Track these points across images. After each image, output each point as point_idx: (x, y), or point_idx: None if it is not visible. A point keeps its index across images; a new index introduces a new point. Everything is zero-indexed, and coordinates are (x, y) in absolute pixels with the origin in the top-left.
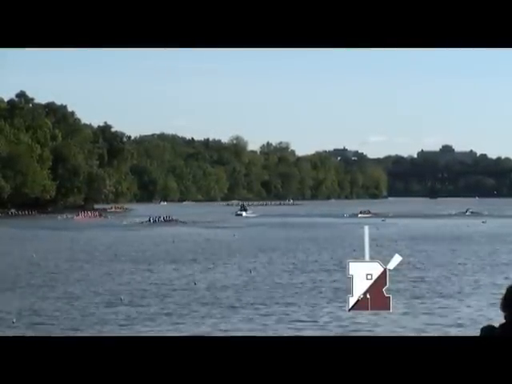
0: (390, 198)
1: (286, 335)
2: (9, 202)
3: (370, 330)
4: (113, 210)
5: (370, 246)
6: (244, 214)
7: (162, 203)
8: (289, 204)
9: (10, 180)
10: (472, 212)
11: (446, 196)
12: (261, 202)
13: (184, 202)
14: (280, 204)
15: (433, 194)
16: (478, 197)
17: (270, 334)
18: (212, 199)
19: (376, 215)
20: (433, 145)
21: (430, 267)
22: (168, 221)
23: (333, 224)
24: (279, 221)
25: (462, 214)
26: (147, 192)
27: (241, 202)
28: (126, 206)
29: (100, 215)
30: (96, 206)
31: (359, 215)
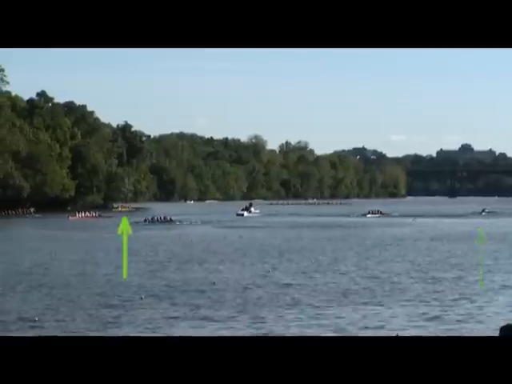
0: (409, 197)
1: (285, 335)
2: (29, 201)
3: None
4: (119, 209)
5: (391, 244)
6: (245, 213)
7: (188, 202)
8: (312, 203)
9: (29, 179)
10: (488, 212)
11: (466, 195)
12: (281, 201)
13: (207, 201)
14: (301, 204)
15: (452, 193)
16: (498, 196)
17: (270, 334)
18: (231, 198)
19: (386, 215)
20: (452, 143)
21: (448, 267)
22: (166, 221)
23: (352, 223)
24: (285, 220)
25: (478, 214)
26: (166, 191)
27: (253, 202)
28: (141, 205)
29: (99, 216)
30: (114, 205)
31: (368, 215)
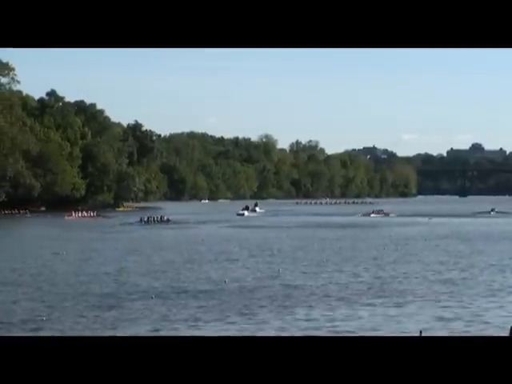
0: (419, 196)
1: (285, 335)
2: (39, 200)
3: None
4: (122, 208)
5: (398, 244)
6: (246, 213)
7: (203, 201)
8: (324, 203)
9: (40, 178)
10: (497, 212)
11: (477, 194)
12: (292, 201)
13: (219, 200)
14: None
15: (463, 192)
16: (509, 195)
17: (270, 334)
18: (241, 197)
19: (390, 215)
20: (463, 143)
21: (455, 267)
22: (162, 221)
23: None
24: (287, 220)
25: (487, 214)
26: (177, 190)
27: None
28: (151, 204)
29: (97, 215)
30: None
31: (371, 215)
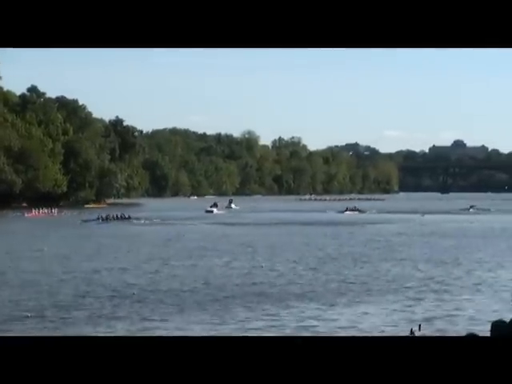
0: (401, 193)
1: (285, 335)
2: (21, 196)
3: None
4: (91, 205)
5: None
6: (215, 210)
7: (191, 197)
8: (308, 199)
9: (21, 174)
10: (478, 209)
11: (458, 191)
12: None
13: (206, 196)
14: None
15: (444, 189)
16: (491, 192)
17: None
18: (223, 194)
19: (363, 211)
20: (445, 140)
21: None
22: (122, 219)
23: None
24: (257, 216)
25: (466, 211)
26: (159, 187)
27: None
28: (134, 200)
29: (59, 213)
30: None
31: (346, 212)
